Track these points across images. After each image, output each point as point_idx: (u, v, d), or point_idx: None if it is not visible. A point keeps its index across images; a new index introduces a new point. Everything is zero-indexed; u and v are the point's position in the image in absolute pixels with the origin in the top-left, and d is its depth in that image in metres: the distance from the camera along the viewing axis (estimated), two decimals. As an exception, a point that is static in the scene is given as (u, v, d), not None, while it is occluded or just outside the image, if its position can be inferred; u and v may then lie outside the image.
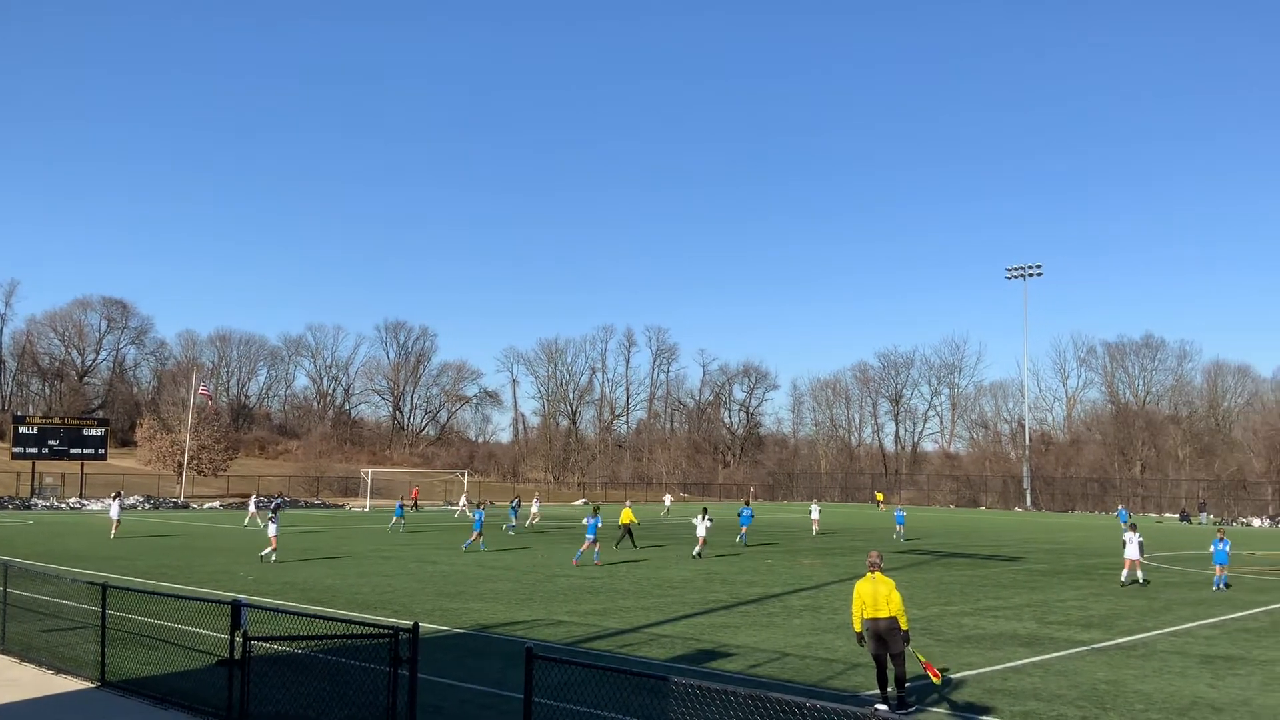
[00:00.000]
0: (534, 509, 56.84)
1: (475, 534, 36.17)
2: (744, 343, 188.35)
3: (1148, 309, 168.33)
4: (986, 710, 12.41)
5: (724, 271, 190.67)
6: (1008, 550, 40.81)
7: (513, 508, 50.27)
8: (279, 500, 36.84)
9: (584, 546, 31.62)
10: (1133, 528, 28.91)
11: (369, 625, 10.30)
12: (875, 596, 12.53)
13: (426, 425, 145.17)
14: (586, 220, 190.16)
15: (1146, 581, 28.46)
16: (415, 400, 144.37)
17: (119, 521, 40.93)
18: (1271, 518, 77.09)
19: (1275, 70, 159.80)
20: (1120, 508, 71.59)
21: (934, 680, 12.61)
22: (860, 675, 14.37)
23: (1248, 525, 73.26)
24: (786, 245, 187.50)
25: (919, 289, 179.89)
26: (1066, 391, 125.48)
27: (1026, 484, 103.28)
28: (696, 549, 34.69)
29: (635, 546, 38.09)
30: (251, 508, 54.44)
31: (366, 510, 70.63)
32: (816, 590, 25.28)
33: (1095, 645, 17.55)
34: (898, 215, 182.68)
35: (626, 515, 38.20)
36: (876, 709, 11.42)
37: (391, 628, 9.32)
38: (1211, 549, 28.29)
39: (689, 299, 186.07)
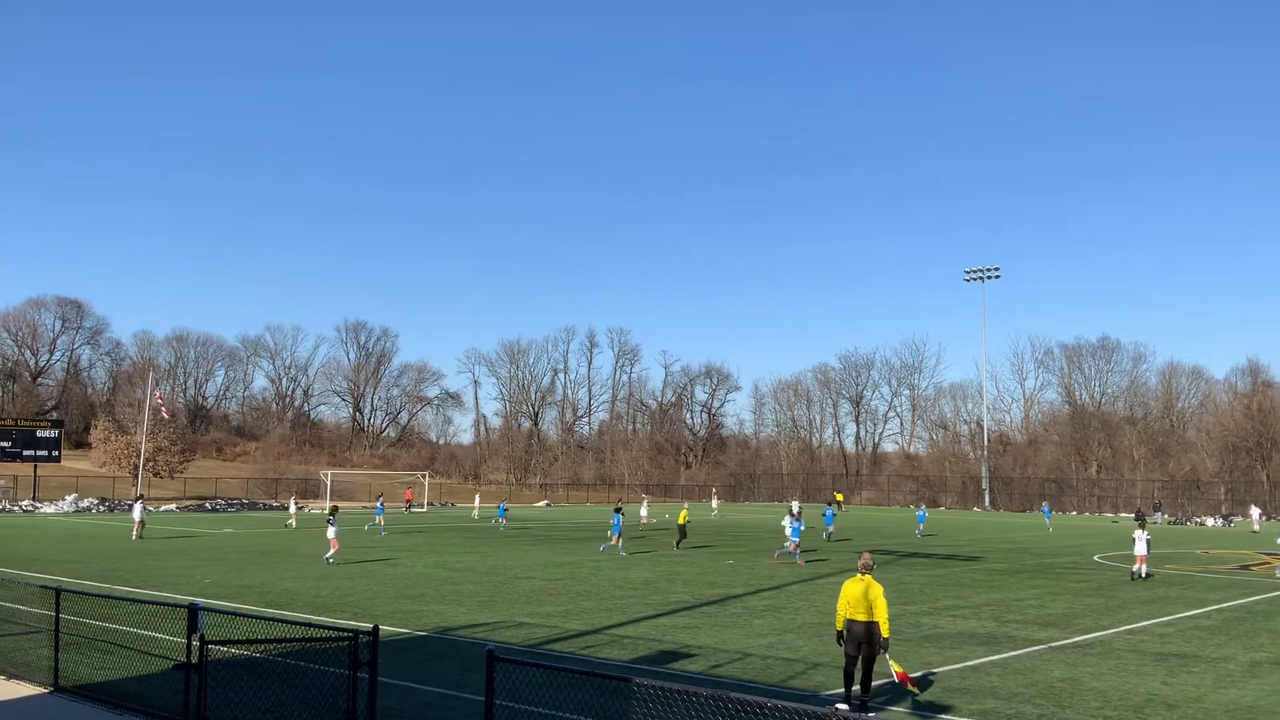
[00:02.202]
0: (643, 512, 55.36)
1: (615, 537, 36.53)
2: (706, 344, 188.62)
3: (1104, 311, 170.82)
4: (946, 709, 12.52)
5: (686, 273, 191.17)
6: (966, 550, 41.21)
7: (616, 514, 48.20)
8: (334, 505, 38.07)
9: (613, 540, 35.96)
10: (1141, 526, 31.97)
11: (328, 628, 10.22)
12: (861, 599, 12.65)
13: (387, 427, 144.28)
14: (549, 220, 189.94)
15: (1150, 575, 29.91)
16: (376, 401, 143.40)
17: (143, 523, 41.83)
18: (1224, 517, 78.33)
19: (1231, 72, 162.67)
20: (1044, 504, 72.52)
21: (910, 690, 12.72)
22: (822, 675, 14.45)
23: (1201, 525, 74.43)
24: (748, 247, 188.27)
25: (879, 291, 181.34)
26: (1024, 393, 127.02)
27: (985, 484, 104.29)
28: (789, 549, 34.87)
29: (677, 548, 38.85)
30: (292, 508, 54.78)
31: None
32: (778, 590, 25.39)
33: (1052, 644, 17.76)
34: (858, 217, 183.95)
35: (683, 516, 41.65)
36: (837, 708, 11.50)
37: (351, 631, 9.25)
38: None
39: (651, 300, 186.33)
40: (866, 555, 13.40)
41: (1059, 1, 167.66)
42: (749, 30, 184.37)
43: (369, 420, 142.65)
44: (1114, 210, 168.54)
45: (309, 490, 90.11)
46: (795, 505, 52.98)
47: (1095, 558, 38.46)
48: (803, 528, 34.99)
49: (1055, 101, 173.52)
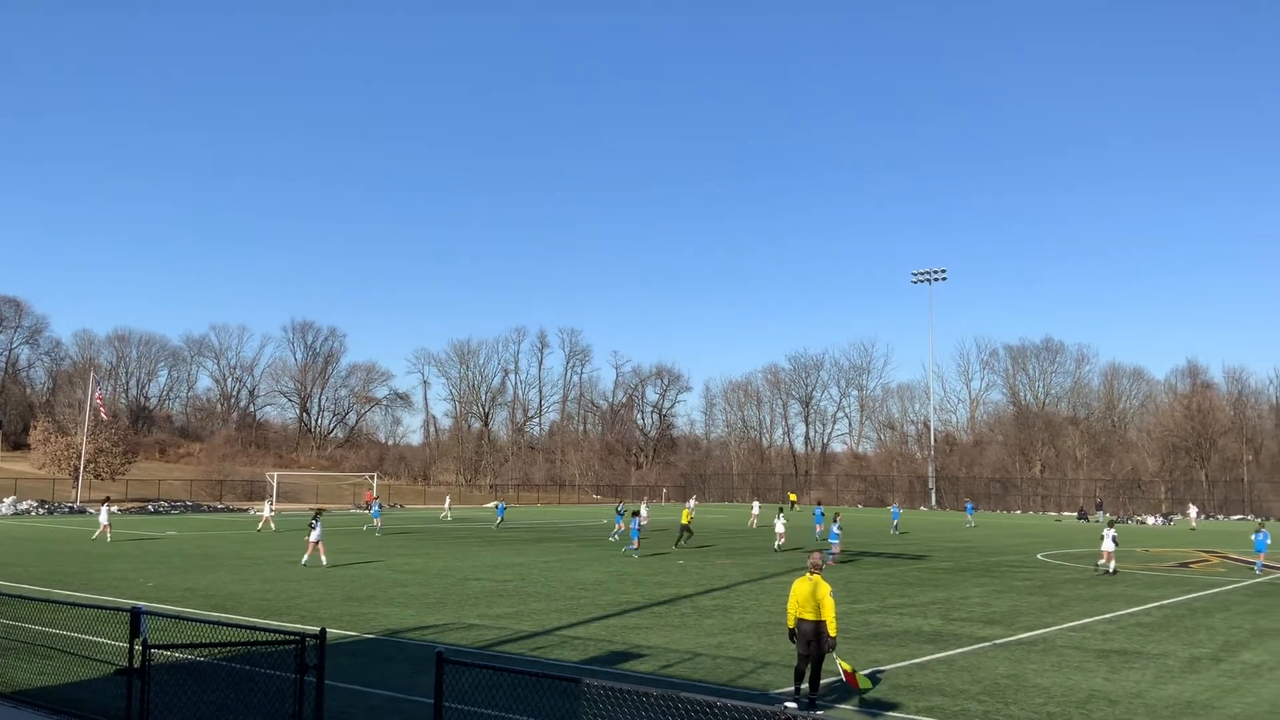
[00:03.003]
0: (643, 512, 54.77)
1: (635, 541, 36.90)
2: (657, 345, 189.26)
3: (1048, 313, 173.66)
4: (893, 706, 12.65)
5: (637, 273, 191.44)
6: (913, 549, 41.66)
7: (619, 513, 49.11)
8: (317, 509, 37.83)
9: (634, 544, 36.68)
10: (1110, 524, 34.55)
11: (274, 631, 10.10)
12: (809, 598, 12.76)
13: (335, 427, 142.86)
14: (499, 220, 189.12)
15: (1116, 571, 31.18)
16: (323, 402, 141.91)
17: (109, 525, 41.32)
18: (1165, 516, 79.96)
19: (1170, 76, 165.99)
20: (968, 502, 73.56)
21: (857, 688, 12.82)
22: (770, 674, 14.54)
23: (1142, 523, 75.88)
24: (699, 248, 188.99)
25: (829, 293, 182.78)
26: (970, 393, 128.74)
27: (931, 484, 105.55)
28: (778, 541, 40.31)
29: (679, 546, 40.29)
30: (267, 510, 54.01)
31: (253, 514, 69.19)
32: (728, 590, 25.49)
33: (997, 641, 18.01)
34: (808, 219, 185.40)
35: (685, 516, 42.74)
36: (786, 706, 11.57)
37: (298, 634, 9.15)
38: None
39: (602, 301, 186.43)
40: (815, 554, 13.52)
41: (1004, 8, 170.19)
42: (698, 32, 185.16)
43: (316, 421, 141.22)
44: (1058, 214, 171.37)
45: (255, 492, 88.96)
46: (819, 508, 54.77)
47: (1039, 556, 39.07)
48: (840, 531, 35.95)
49: (1002, 106, 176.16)
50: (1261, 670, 15.40)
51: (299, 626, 17.57)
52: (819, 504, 60.62)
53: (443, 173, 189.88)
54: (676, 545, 40.55)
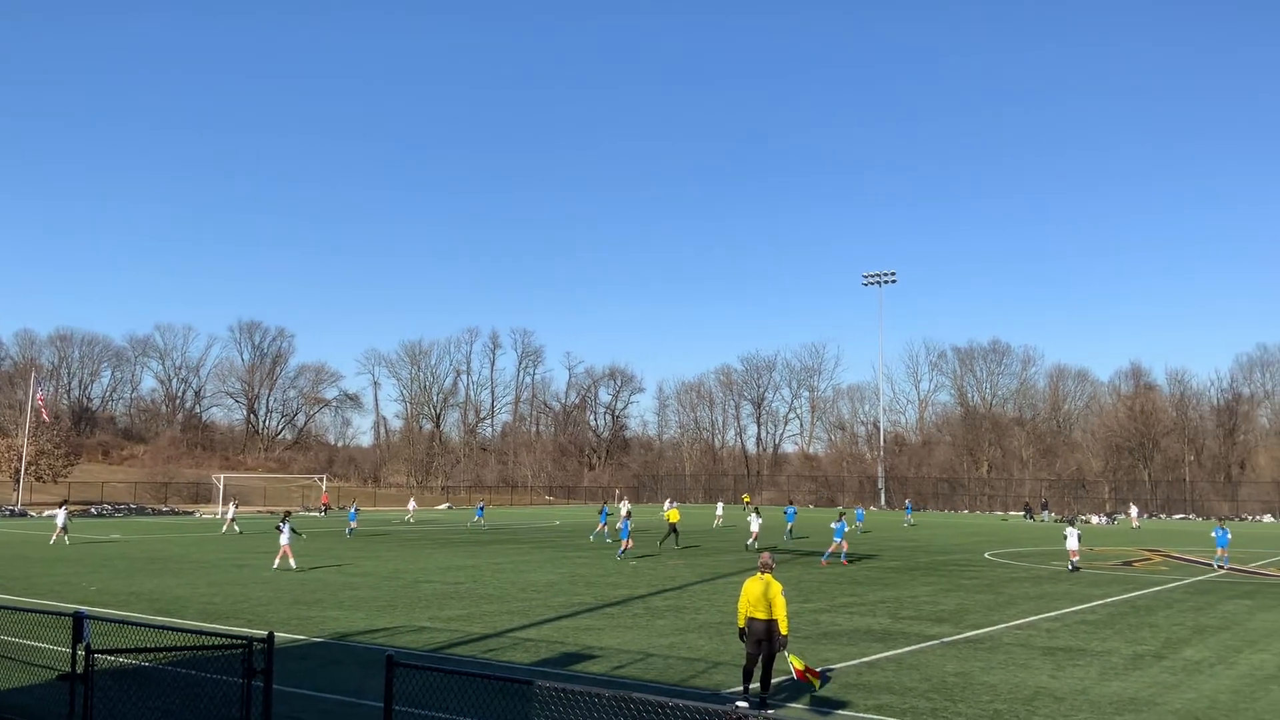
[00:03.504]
0: (623, 510, 53.90)
1: (625, 541, 36.37)
2: (610, 346, 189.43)
3: (995, 316, 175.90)
4: (842, 705, 12.76)
5: (590, 274, 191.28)
6: (863, 549, 42.01)
7: (604, 513, 49.42)
8: (286, 511, 37.15)
9: (625, 545, 35.88)
10: (1071, 523, 36.96)
11: (221, 636, 9.97)
12: (761, 597, 12.82)
13: (283, 429, 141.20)
14: (451, 219, 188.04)
15: (1078, 568, 32.41)
16: (271, 403, 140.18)
17: (64, 528, 40.77)
18: (1108, 515, 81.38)
19: (1119, 79, 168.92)
20: (907, 502, 74.44)
21: (810, 682, 12.91)
22: (722, 673, 14.60)
23: (1087, 522, 77.04)
24: (652, 249, 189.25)
25: (781, 294, 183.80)
26: (919, 394, 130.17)
27: (881, 484, 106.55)
28: (750, 540, 41.49)
29: (677, 546, 40.96)
30: (230, 513, 53.50)
31: (219, 517, 68.29)
32: (680, 591, 25.55)
33: (945, 639, 18.22)
34: (761, 221, 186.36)
35: (673, 515, 43.04)
36: (737, 706, 11.63)
37: (245, 638, 9.05)
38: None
39: (555, 302, 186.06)
40: (766, 554, 13.60)
41: (950, 12, 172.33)
42: (648, 33, 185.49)
43: (264, 422, 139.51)
44: (1006, 218, 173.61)
45: (200, 495, 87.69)
46: (811, 504, 55.76)
47: (986, 555, 39.58)
48: (847, 528, 36.06)
49: (953, 111, 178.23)
50: (1202, 667, 15.72)
51: (246, 630, 17.35)
52: (790, 503, 61.25)
53: (391, 172, 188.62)
54: (661, 544, 41.20)
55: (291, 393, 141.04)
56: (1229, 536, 35.96)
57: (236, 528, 51.47)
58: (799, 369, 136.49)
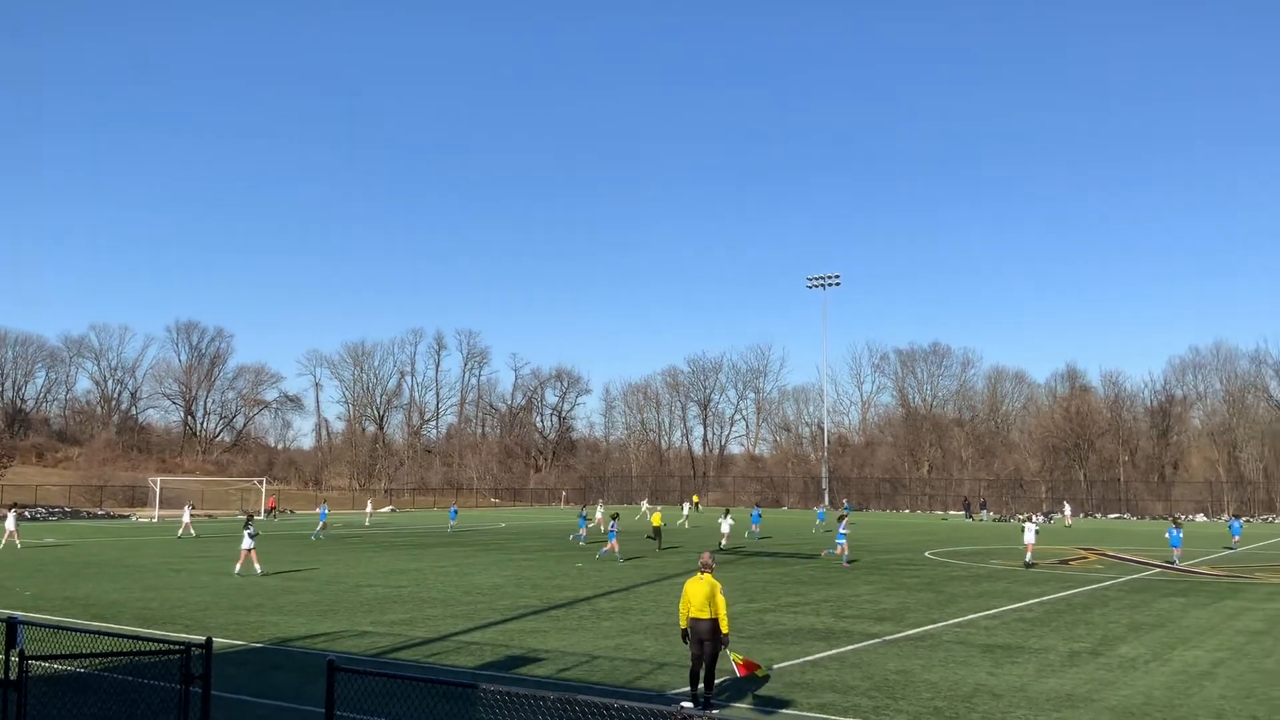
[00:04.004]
0: (598, 514, 52.48)
1: (611, 543, 36.08)
2: (557, 347, 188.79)
3: (936, 319, 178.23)
4: (786, 704, 12.84)
5: (536, 275, 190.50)
6: (807, 548, 42.36)
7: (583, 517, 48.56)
8: (250, 514, 36.39)
9: (608, 546, 35.79)
10: (1029, 519, 39.24)
11: (158, 641, 9.79)
12: (700, 598, 12.86)
13: (221, 431, 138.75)
14: (394, 218, 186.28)
15: (1034, 564, 33.97)
16: (209, 405, 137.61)
17: (13, 532, 40.28)
18: (1045, 514, 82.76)
19: (1046, 84, 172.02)
20: (755, 508, 74.22)
21: (753, 674, 12.99)
22: (667, 674, 14.63)
23: (1048, 521, 78.33)
24: (599, 250, 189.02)
25: (727, 296, 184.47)
26: (862, 396, 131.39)
27: (825, 484, 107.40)
28: (722, 542, 42.68)
29: (660, 550, 40.88)
30: (186, 516, 52.54)
31: (155, 521, 67.12)
32: (626, 592, 25.57)
33: (886, 637, 18.43)
34: (708, 224, 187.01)
35: (655, 518, 43.64)
36: (682, 706, 11.65)
37: (183, 643, 8.88)
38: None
39: (501, 302, 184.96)
40: (707, 554, 13.66)
41: (883, 15, 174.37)
42: (597, 35, 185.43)
43: (202, 424, 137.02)
44: (945, 223, 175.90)
45: (136, 498, 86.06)
46: (840, 504, 56.80)
47: (927, 554, 40.08)
48: (847, 532, 36.40)
49: (894, 116, 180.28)
50: (1137, 663, 16.05)
51: (184, 636, 17.06)
52: (757, 505, 62.04)
53: (334, 170, 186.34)
54: (660, 547, 41.72)
55: (230, 394, 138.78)
56: (1181, 535, 37.56)
57: (193, 531, 50.90)
58: (745, 371, 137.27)
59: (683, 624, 13.06)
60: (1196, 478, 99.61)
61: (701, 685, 12.84)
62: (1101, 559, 38.40)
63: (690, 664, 13.02)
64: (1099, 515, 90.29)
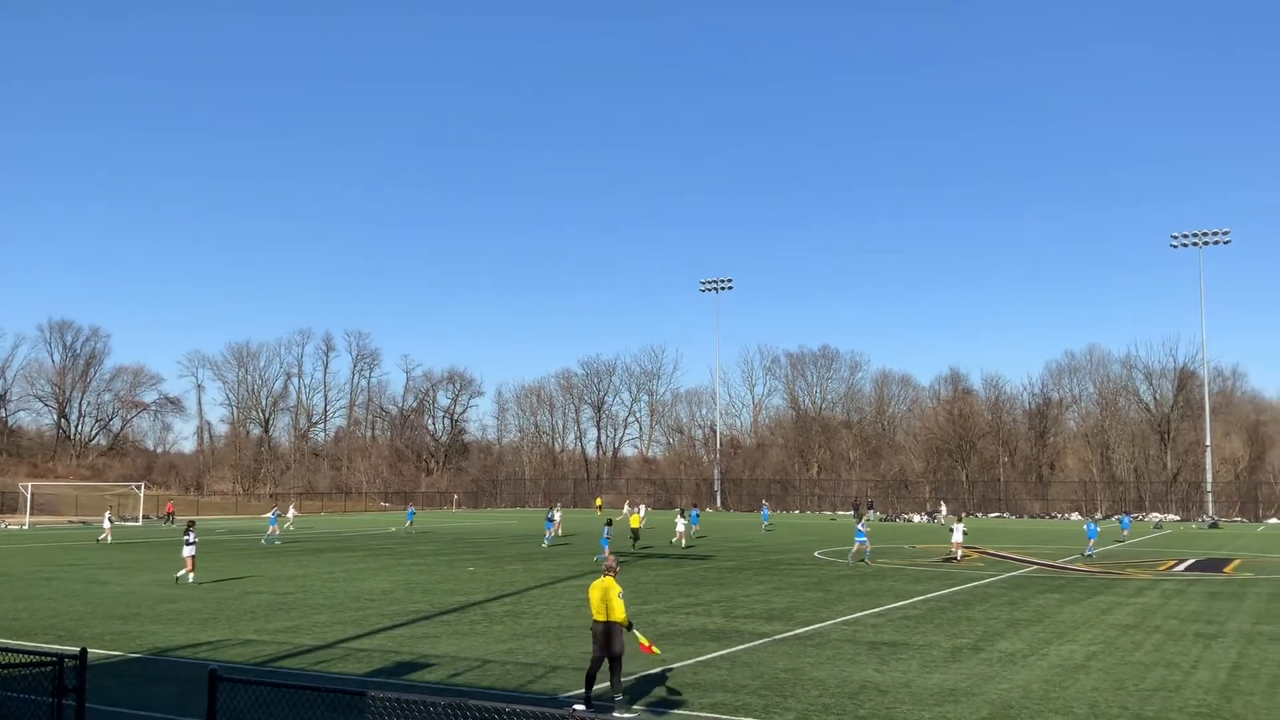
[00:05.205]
0: (555, 516, 50.54)
1: (605, 549, 35.55)
2: (449, 349, 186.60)
3: (825, 323, 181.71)
4: (678, 704, 12.93)
5: (429, 276, 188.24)
6: (699, 549, 42.74)
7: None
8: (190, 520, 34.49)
9: (605, 554, 34.71)
10: (959, 520, 41.74)
11: (28, 653, 9.38)
12: (595, 600, 12.89)
13: (97, 434, 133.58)
14: (280, 216, 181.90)
15: (962, 558, 36.55)
16: (84, 407, 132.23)
17: None
18: (929, 514, 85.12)
19: (932, 96, 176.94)
20: (693, 508, 75.39)
21: (653, 652, 13.31)
22: (560, 677, 14.60)
23: (909, 520, 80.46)
24: (491, 251, 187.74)
25: (621, 299, 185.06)
26: (753, 398, 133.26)
27: (717, 485, 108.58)
28: (676, 538, 45.43)
29: (634, 548, 42.84)
30: (106, 522, 51.18)
31: (26, 528, 64.29)
32: (519, 596, 25.43)
33: (776, 636, 18.70)
34: (599, 225, 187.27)
35: (635, 520, 45.85)
36: (574, 709, 11.65)
37: (55, 654, 8.54)
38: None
39: (392, 303, 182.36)
40: (611, 558, 13.73)
41: (782, 16, 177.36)
42: (491, 36, 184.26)
43: (76, 428, 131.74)
44: (836, 228, 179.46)
45: (5, 504, 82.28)
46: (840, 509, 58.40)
47: (815, 554, 40.83)
48: (868, 530, 38.32)
49: (785, 124, 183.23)
50: (1016, 658, 16.59)
51: (56, 647, 16.39)
52: (694, 505, 63.71)
53: (217, 163, 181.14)
54: (634, 546, 43.46)
55: (107, 396, 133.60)
56: (1098, 530, 41.94)
57: (109, 538, 49.58)
58: (638, 373, 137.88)
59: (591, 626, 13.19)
60: (1072, 478, 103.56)
61: (605, 685, 12.90)
62: (982, 557, 39.60)
63: (589, 666, 13.01)
64: (980, 514, 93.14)
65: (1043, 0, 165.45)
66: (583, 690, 12.86)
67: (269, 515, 52.19)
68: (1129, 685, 14.28)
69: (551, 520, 48.70)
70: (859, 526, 38.72)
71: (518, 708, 6.49)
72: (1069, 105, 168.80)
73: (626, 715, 12.10)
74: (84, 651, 8.58)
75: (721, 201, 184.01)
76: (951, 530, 38.37)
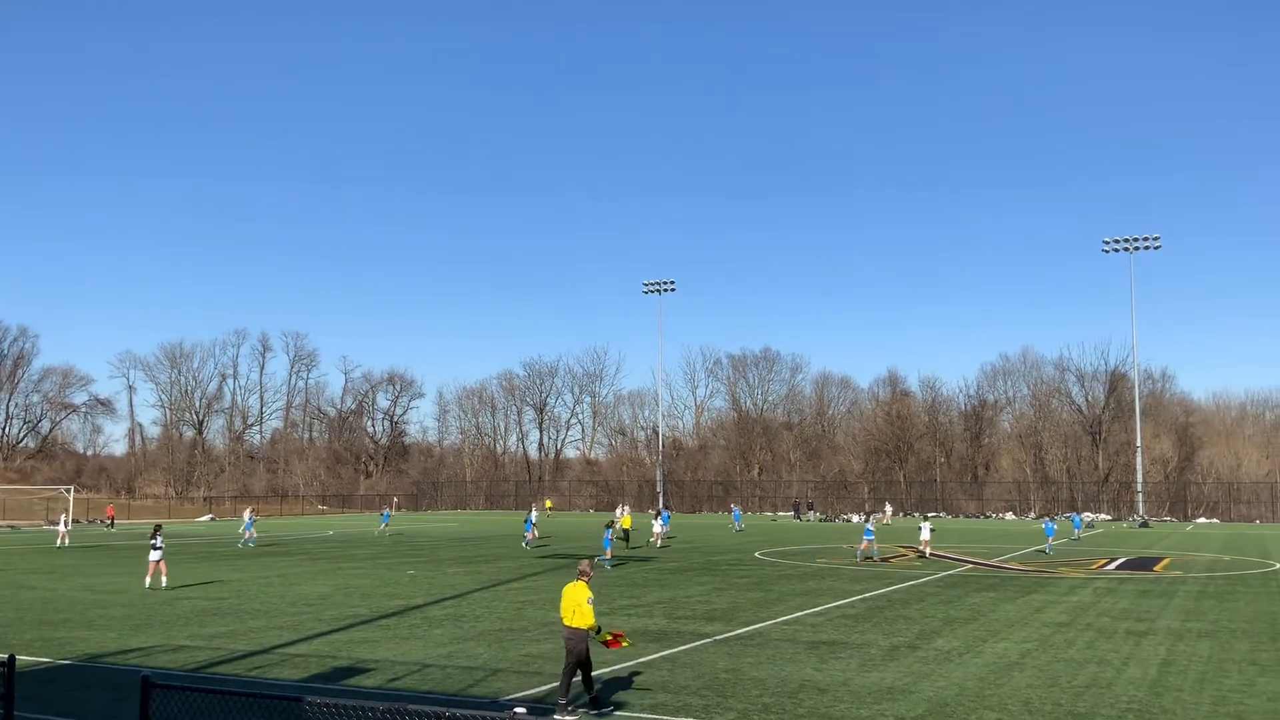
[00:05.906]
0: (656, 528, 49.48)
1: (607, 551, 35.80)
2: (389, 350, 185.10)
3: (766, 325, 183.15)
4: (619, 706, 12.94)
5: (368, 276, 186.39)
6: (641, 551, 42.80)
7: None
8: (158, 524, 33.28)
9: (606, 554, 36.02)
10: (925, 519, 44.66)
11: (-49, 663, 9.12)
12: (567, 605, 12.90)
13: (25, 437, 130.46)
14: (215, 214, 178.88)
15: (929, 555, 38.86)
16: (11, 409, 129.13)
17: None
18: (868, 514, 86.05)
19: (878, 100, 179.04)
20: (664, 509, 75.61)
21: (624, 646, 13.54)
22: (501, 680, 14.54)
23: (848, 521, 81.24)
24: (430, 252, 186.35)
25: (563, 300, 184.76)
26: (695, 400, 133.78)
27: (660, 487, 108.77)
28: (654, 539, 46.90)
29: (627, 546, 44.14)
30: (61, 528, 49.95)
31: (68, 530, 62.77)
32: (459, 599, 25.26)
33: (717, 637, 18.79)
34: (542, 227, 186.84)
35: (626, 521, 46.55)
36: (516, 712, 11.59)
37: (-20, 663, 8.32)
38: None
39: (330, 304, 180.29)
40: (584, 562, 13.68)
41: (723, 22, 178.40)
42: (434, 37, 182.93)
43: (3, 430, 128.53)
44: (775, 230, 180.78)
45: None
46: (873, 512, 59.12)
47: (756, 554, 41.09)
48: (874, 530, 38.89)
49: (726, 127, 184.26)
50: (952, 656, 16.84)
51: (-20, 656, 15.95)
52: (666, 508, 63.76)
53: (148, 159, 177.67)
54: (629, 546, 44.17)
55: (35, 398, 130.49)
56: (1055, 527, 44.97)
57: (67, 541, 48.91)
58: (581, 375, 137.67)
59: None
60: (1006, 478, 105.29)
61: (581, 689, 12.94)
62: (919, 556, 40.14)
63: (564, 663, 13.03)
64: (917, 515, 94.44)
65: (968, 7, 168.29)
66: (523, 692, 12.81)
67: (245, 517, 50.54)
68: (1062, 682, 14.55)
69: (530, 521, 48.20)
70: (867, 525, 39.34)
71: (458, 712, 6.45)
72: (1003, 112, 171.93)
73: (569, 718, 12.07)
74: (12, 658, 8.38)
75: (664, 203, 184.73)
76: (920, 529, 40.66)
